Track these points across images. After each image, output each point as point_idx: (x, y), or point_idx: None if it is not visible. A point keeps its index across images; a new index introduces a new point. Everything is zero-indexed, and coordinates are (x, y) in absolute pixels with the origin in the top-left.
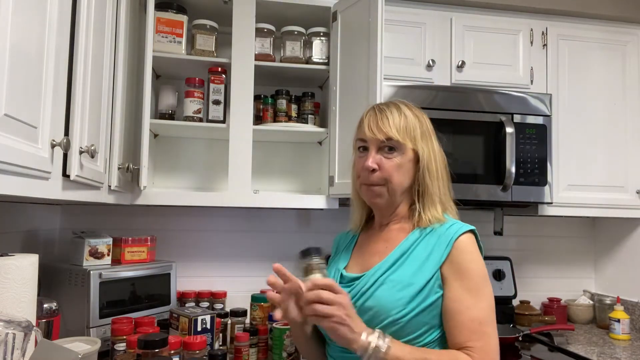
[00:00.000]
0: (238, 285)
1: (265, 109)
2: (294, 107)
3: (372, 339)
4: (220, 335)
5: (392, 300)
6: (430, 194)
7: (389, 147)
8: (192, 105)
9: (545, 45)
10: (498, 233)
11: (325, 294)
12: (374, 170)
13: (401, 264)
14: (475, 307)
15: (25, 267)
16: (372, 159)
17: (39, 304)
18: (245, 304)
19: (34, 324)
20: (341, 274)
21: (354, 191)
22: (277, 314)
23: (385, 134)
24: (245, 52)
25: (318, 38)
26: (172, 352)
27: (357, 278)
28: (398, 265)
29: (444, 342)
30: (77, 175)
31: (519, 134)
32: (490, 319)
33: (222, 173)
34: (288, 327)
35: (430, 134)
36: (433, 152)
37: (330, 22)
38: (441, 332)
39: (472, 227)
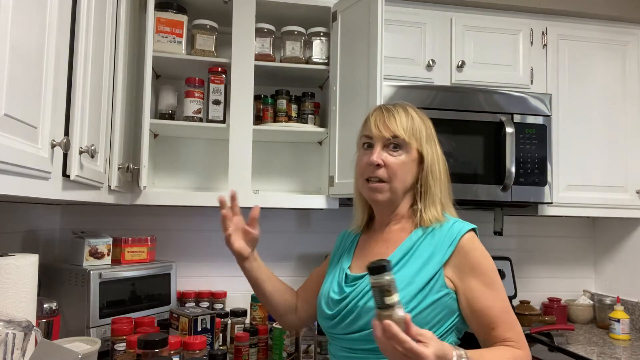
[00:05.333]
0: (238, 285)
1: (265, 109)
2: (294, 107)
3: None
4: (220, 335)
5: None
6: (432, 195)
7: (395, 144)
8: (192, 105)
9: (545, 45)
10: (498, 233)
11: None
12: (378, 166)
13: (404, 264)
14: (498, 298)
15: (25, 267)
16: (378, 155)
17: (39, 304)
18: (245, 304)
19: (34, 324)
20: (346, 274)
21: (356, 190)
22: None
23: (391, 132)
24: (245, 52)
25: (318, 38)
26: (172, 352)
27: (361, 277)
28: (401, 265)
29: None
30: (77, 175)
31: (519, 134)
32: (509, 306)
33: (222, 173)
34: None
35: (434, 138)
36: (437, 155)
37: (330, 22)
38: (443, 331)
39: (474, 226)
